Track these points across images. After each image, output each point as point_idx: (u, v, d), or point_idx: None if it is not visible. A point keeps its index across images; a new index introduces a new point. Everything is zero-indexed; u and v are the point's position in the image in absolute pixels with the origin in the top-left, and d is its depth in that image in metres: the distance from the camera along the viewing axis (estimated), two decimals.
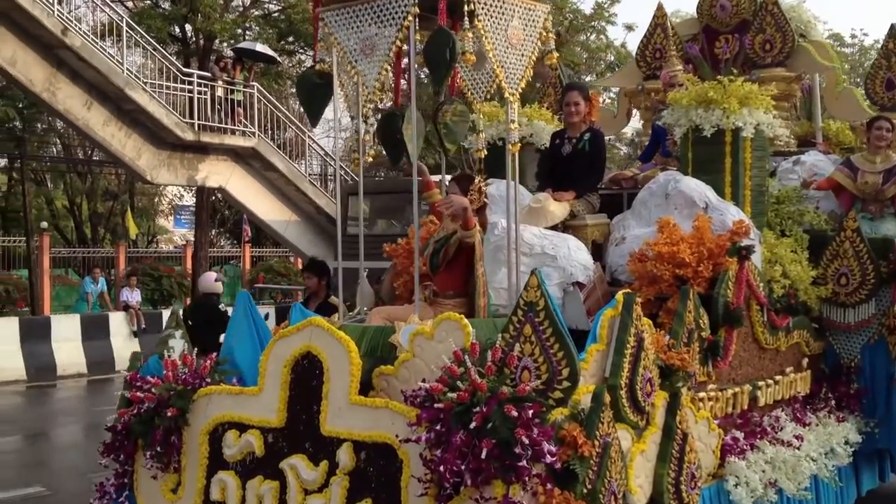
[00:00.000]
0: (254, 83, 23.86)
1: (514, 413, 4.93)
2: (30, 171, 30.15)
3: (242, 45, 25.21)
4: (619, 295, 5.89)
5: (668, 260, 6.85)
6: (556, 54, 6.48)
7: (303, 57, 30.47)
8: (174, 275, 28.48)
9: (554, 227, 7.45)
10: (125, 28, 21.26)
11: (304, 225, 25.25)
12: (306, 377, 5.80)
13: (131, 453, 6.29)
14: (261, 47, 24.72)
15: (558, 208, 7.52)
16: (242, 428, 5.90)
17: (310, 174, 26.98)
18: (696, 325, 6.53)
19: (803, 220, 8.23)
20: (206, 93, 22.74)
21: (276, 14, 29.28)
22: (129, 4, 27.74)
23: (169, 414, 6.05)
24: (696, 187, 7.43)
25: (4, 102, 26.38)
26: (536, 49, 6.34)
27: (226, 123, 22.88)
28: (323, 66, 6.42)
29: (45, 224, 27.29)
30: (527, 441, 4.89)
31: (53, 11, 18.79)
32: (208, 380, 6.23)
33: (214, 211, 36.32)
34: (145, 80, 21.29)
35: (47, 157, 31.87)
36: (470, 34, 5.80)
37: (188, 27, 27.09)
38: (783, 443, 7.07)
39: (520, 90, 6.23)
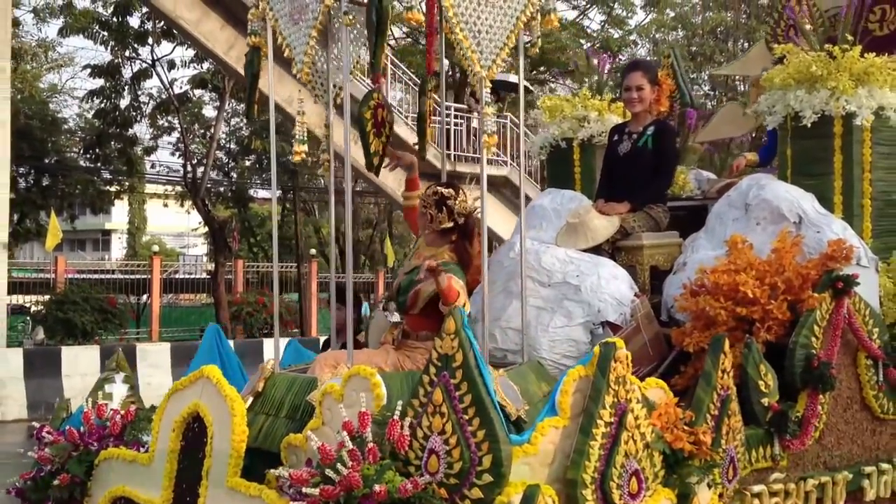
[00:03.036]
0: (507, 113, 23.24)
1: None
2: (300, 201, 31.13)
3: (497, 77, 24.56)
4: (597, 347, 4.05)
5: (726, 294, 4.87)
6: (557, 15, 4.68)
7: (554, 86, 29.46)
8: None
9: (597, 249, 5.58)
10: (389, 65, 21.15)
11: None
12: (196, 445, 4.36)
13: None
14: (514, 78, 24.04)
15: (603, 224, 5.62)
16: None
17: None
18: (754, 387, 4.54)
19: None
20: (461, 124, 22.69)
21: (527, 45, 28.32)
22: (392, 43, 27.74)
23: (57, 482, 4.75)
24: (786, 195, 5.34)
25: (280, 138, 27.07)
26: (528, 7, 4.58)
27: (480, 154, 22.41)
28: (254, 40, 4.93)
29: (313, 251, 27.79)
30: None
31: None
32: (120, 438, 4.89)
33: None
34: (405, 114, 21.05)
35: (316, 188, 32.58)
36: None
37: (446, 62, 26.72)
38: None
39: (499, 64, 4.50)
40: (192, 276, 28.49)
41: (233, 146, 28.85)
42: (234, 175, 29.37)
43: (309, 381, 4.59)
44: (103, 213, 32.85)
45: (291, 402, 4.57)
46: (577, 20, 27.05)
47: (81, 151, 27.07)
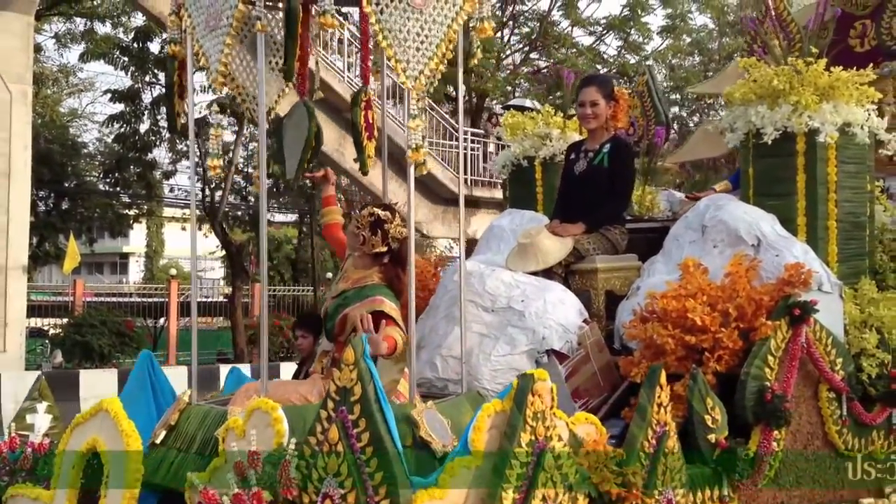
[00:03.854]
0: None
1: None
2: (318, 225, 30.68)
3: (513, 101, 24.36)
4: (515, 380, 3.68)
5: (675, 321, 4.48)
6: (490, 24, 4.34)
7: (571, 111, 29.19)
8: None
9: (549, 272, 5.21)
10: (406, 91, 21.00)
11: None
12: (94, 483, 4.04)
13: None
14: (530, 103, 23.73)
15: (556, 246, 5.25)
16: None
17: None
18: (699, 422, 4.15)
19: None
20: (478, 149, 22.52)
21: (544, 70, 28.05)
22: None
23: None
24: (744, 216, 4.95)
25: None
26: (459, 15, 4.25)
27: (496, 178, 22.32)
28: (173, 49, 4.63)
29: (329, 274, 27.60)
30: None
31: (344, 78, 19.20)
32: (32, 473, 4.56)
33: None
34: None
35: None
36: None
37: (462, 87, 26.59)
38: None
39: (427, 75, 4.17)
40: (210, 300, 28.22)
41: (251, 170, 28.69)
42: (252, 199, 29.20)
43: (221, 413, 4.25)
44: (121, 236, 32.77)
45: (203, 437, 4.24)
46: (594, 45, 26.69)
47: (101, 175, 26.96)
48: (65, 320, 20.73)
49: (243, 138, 26.68)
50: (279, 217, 30.39)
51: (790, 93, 4.97)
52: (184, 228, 31.53)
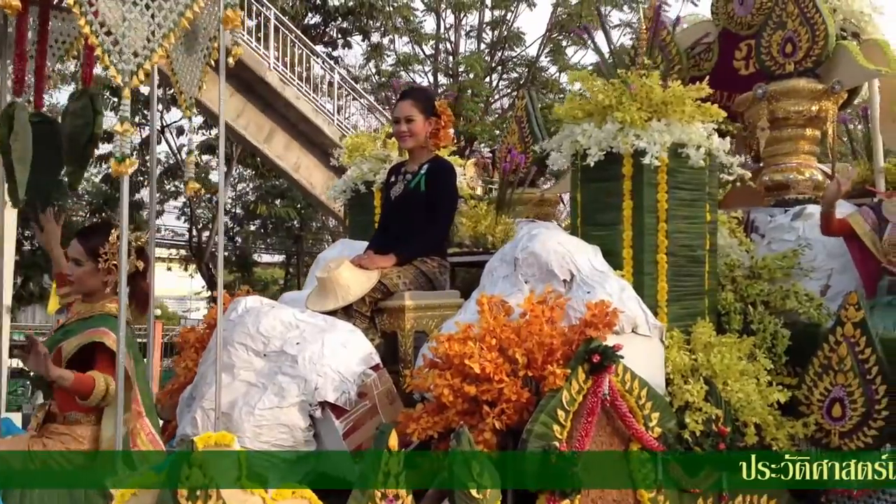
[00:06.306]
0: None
1: None
2: (305, 265, 30.22)
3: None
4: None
5: (457, 369, 3.73)
6: (237, 13, 3.68)
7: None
8: None
9: (348, 312, 4.47)
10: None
11: None
12: None
13: None
14: None
15: (358, 280, 4.50)
16: None
17: None
18: (461, 494, 3.37)
19: (785, 305, 4.64)
20: None
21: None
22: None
23: None
24: (557, 248, 4.18)
25: (286, 203, 26.56)
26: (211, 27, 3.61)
27: None
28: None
29: None
30: None
31: (334, 121, 18.76)
32: None
33: None
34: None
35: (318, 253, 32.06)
36: None
37: (451, 131, 26.34)
38: None
39: (147, 70, 3.47)
40: None
41: (238, 211, 28.21)
42: (239, 239, 28.68)
43: None
44: None
45: None
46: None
47: (88, 215, 26.50)
48: None
49: (231, 179, 26.19)
50: (266, 258, 29.84)
51: (617, 109, 4.24)
52: (169, 269, 30.96)
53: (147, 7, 3.45)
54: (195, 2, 3.56)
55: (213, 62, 3.95)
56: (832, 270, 4.90)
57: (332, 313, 4.43)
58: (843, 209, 4.93)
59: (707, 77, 4.82)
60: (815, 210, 5.12)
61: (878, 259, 4.67)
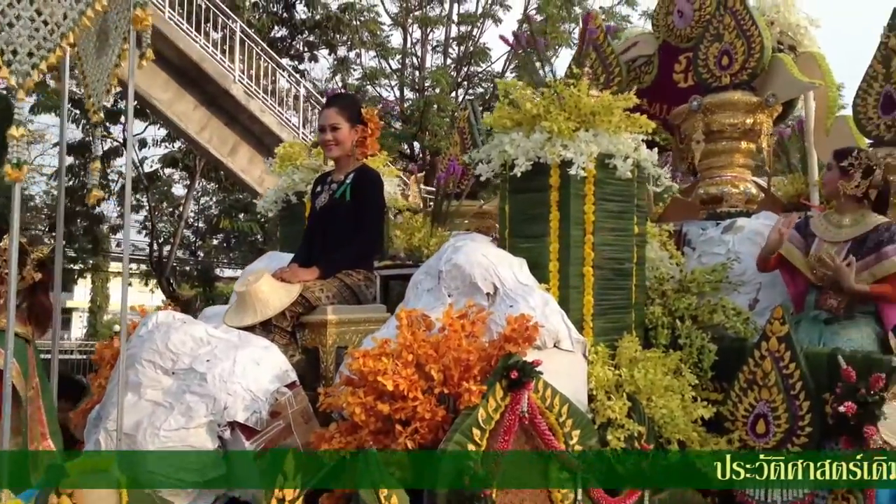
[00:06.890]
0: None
1: None
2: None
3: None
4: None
5: (371, 386, 3.59)
6: (148, 11, 3.54)
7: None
8: None
9: (267, 327, 4.32)
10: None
11: None
12: None
13: None
14: None
15: (277, 294, 4.36)
16: None
17: None
18: None
19: (713, 319, 4.54)
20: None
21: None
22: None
23: None
24: (481, 260, 4.06)
25: (249, 217, 26.42)
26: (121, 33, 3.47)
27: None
28: None
29: None
30: None
31: (299, 134, 18.36)
32: None
33: None
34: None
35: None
36: None
37: (416, 144, 26.12)
38: None
39: (42, 70, 3.32)
40: None
41: (201, 224, 27.95)
42: (202, 254, 28.39)
43: None
44: (65, 291, 31.73)
45: None
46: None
47: (47, 230, 26.13)
48: None
49: (195, 192, 25.92)
50: (228, 272, 29.51)
51: (545, 118, 4.12)
52: (130, 284, 30.65)
53: (45, 5, 3.31)
54: (97, 0, 3.43)
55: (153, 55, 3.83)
56: (761, 284, 4.80)
57: (250, 329, 4.29)
58: (767, 221, 4.86)
59: (636, 88, 4.73)
60: (745, 223, 5.03)
61: (806, 275, 4.57)
